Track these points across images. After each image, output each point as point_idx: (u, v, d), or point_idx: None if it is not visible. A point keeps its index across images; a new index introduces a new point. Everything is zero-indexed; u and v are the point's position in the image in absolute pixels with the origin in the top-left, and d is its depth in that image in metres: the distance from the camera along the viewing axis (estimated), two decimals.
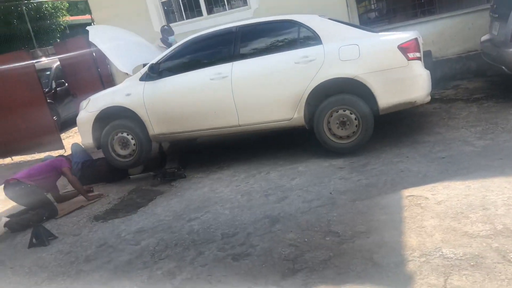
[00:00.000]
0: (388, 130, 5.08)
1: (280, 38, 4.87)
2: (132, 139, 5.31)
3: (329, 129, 4.64)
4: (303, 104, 4.62)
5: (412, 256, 2.66)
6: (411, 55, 4.37)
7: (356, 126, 4.54)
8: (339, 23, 4.85)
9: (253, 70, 4.81)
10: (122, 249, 3.65)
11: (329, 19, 4.89)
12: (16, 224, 4.50)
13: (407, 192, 3.51)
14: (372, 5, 7.85)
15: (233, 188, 4.46)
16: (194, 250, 3.36)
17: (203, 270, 3.05)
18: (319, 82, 4.52)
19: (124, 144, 5.36)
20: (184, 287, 2.89)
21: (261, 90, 4.78)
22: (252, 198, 4.10)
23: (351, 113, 4.53)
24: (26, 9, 14.75)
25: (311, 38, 4.67)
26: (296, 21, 4.78)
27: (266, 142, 5.78)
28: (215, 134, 5.26)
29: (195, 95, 5.01)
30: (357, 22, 6.93)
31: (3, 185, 4.90)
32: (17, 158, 8.25)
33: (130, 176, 5.59)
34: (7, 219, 4.52)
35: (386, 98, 4.43)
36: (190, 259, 3.23)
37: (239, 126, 4.95)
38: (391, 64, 4.39)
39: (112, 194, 5.12)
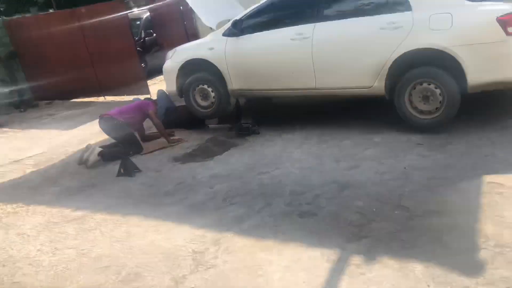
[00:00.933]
0: (476, 110, 4.77)
1: (366, 1, 4.64)
2: (212, 91, 5.53)
3: (411, 102, 4.47)
4: (385, 73, 4.46)
5: (486, 244, 2.56)
6: (510, 29, 3.97)
7: (440, 102, 4.31)
8: None
9: (336, 32, 4.70)
10: (198, 190, 3.94)
11: None
12: (108, 154, 5.01)
13: (488, 178, 3.33)
14: None
15: (305, 150, 4.54)
16: (263, 201, 3.53)
17: (269, 220, 3.21)
18: (404, 51, 4.30)
19: (205, 95, 5.61)
20: (251, 232, 3.09)
21: (341, 54, 4.68)
22: (323, 162, 4.15)
23: (436, 88, 4.31)
24: None
25: (399, 3, 4.39)
26: None
27: (341, 109, 5.73)
28: (291, 95, 5.29)
29: (274, 54, 5.04)
30: None
31: (98, 119, 5.43)
32: (109, 98, 8.99)
33: (209, 126, 5.89)
34: (101, 149, 5.04)
35: (477, 75, 4.12)
36: (258, 208, 3.41)
37: (316, 89, 4.93)
38: (487, 37, 4.04)
39: (191, 140, 5.44)
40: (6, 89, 9.56)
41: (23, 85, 9.88)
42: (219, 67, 5.36)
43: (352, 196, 3.40)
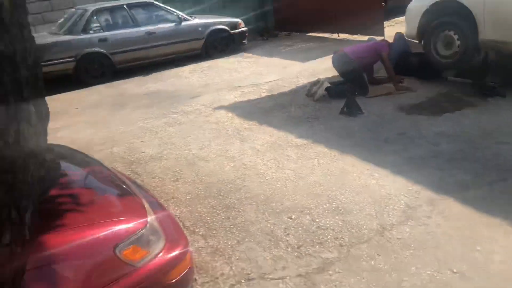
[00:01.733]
0: None
1: None
2: (457, 39, 4.96)
3: None
4: None
5: None
6: None
7: None
8: None
9: None
10: (419, 144, 3.73)
11: None
12: (334, 91, 5.15)
13: None
14: None
15: None
16: (496, 174, 3.13)
17: (501, 196, 2.85)
18: None
19: (448, 43, 5.07)
20: (475, 203, 2.80)
21: None
22: None
23: None
24: None
25: None
26: None
27: None
28: None
29: None
30: None
31: (332, 55, 5.56)
32: (342, 36, 9.06)
33: (448, 78, 5.36)
34: (329, 84, 5.21)
35: None
36: (489, 180, 3.06)
37: None
38: None
39: (421, 91, 5.09)
40: (255, 18, 10.65)
41: (269, 15, 10.83)
42: (474, 11, 4.73)
43: None
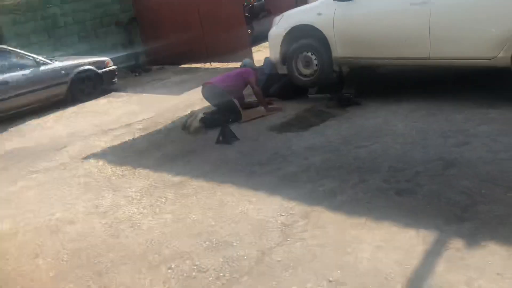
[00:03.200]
0: None
1: None
2: (315, 59, 5.39)
3: None
4: None
5: None
6: None
7: None
8: None
9: None
10: (291, 161, 3.92)
11: None
12: (209, 121, 5.20)
13: None
14: None
15: (409, 123, 4.25)
16: (358, 176, 3.40)
17: (363, 197, 3.09)
18: None
19: (307, 63, 5.49)
20: (343, 207, 3.00)
21: (464, 21, 4.28)
22: (428, 137, 3.86)
23: None
24: None
25: None
26: None
27: (454, 81, 5.22)
28: (400, 65, 5.01)
29: (388, 20, 4.77)
30: None
31: (201, 87, 5.64)
32: (215, 64, 9.30)
33: (308, 95, 5.78)
34: (203, 115, 5.26)
35: None
36: (352, 184, 3.30)
37: (429, 59, 4.58)
38: None
39: (289, 109, 5.40)
40: (124, 54, 10.39)
41: (139, 50, 10.66)
42: (325, 33, 5.20)
43: (458, 175, 3.14)
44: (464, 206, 2.75)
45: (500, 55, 4.10)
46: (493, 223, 2.54)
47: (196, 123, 5.16)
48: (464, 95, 4.67)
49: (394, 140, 3.93)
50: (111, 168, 4.57)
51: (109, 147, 5.26)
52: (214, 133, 4.83)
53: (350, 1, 4.98)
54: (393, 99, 5.04)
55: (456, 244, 2.42)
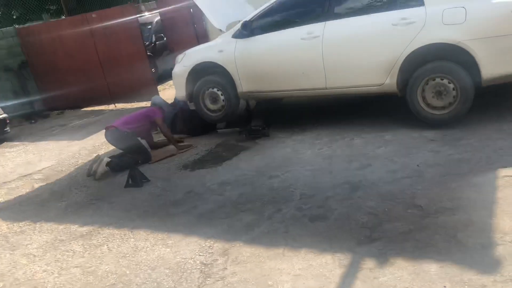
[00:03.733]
0: (489, 103, 4.67)
1: None
2: (221, 94, 5.47)
3: (423, 98, 4.38)
4: (397, 70, 4.39)
5: (503, 240, 2.49)
6: None
7: (454, 96, 4.22)
8: None
9: (346, 30, 4.63)
10: (207, 198, 3.87)
11: None
12: (116, 165, 4.97)
13: (503, 172, 3.24)
14: None
15: (315, 151, 4.45)
16: (273, 206, 3.45)
17: (279, 227, 3.14)
18: (417, 47, 4.23)
19: (214, 99, 5.55)
20: (261, 240, 3.01)
21: (352, 52, 4.61)
22: (334, 162, 4.07)
23: (449, 83, 4.22)
24: None
25: None
26: None
27: (352, 107, 5.63)
28: (301, 96, 5.23)
29: (284, 55, 4.98)
30: None
31: (104, 131, 5.39)
32: (119, 105, 8.99)
33: (218, 130, 5.82)
34: (109, 159, 5.00)
35: (491, 68, 4.04)
36: (268, 215, 3.34)
37: (326, 89, 4.86)
38: (502, 30, 3.95)
39: (200, 145, 5.38)
40: (18, 101, 9.63)
41: (35, 96, 9.95)
42: (228, 69, 5.31)
43: (363, 197, 3.32)
44: (372, 226, 2.91)
45: (387, 81, 4.48)
46: (398, 240, 2.70)
47: (102, 168, 4.89)
48: (362, 121, 5.04)
49: (303, 168, 4.08)
50: (7, 225, 4.12)
51: (3, 202, 4.76)
52: (122, 177, 4.61)
53: (249, 38, 5.17)
54: (299, 128, 5.27)
55: (369, 264, 2.54)
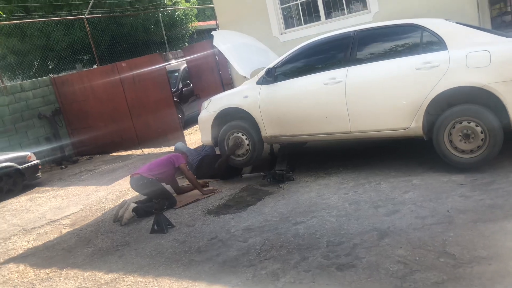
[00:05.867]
0: None
1: (400, 42, 4.64)
2: (246, 139, 5.55)
3: (450, 142, 4.31)
4: (422, 113, 4.37)
5: None
6: None
7: (482, 140, 4.15)
8: (468, 27, 4.46)
9: (369, 75, 4.67)
10: (231, 245, 3.83)
11: (456, 23, 4.55)
12: (142, 210, 5.02)
13: None
14: (508, 7, 7.05)
15: (341, 195, 4.39)
16: (299, 254, 3.38)
17: (306, 276, 3.05)
18: (442, 91, 4.23)
19: (239, 143, 5.60)
20: (286, 286, 2.93)
21: (376, 96, 4.62)
22: (360, 208, 3.99)
23: (476, 126, 4.16)
24: (162, 16, 16.31)
25: (435, 43, 4.39)
26: (419, 25, 4.53)
27: (377, 151, 5.58)
28: (325, 139, 5.24)
29: (308, 100, 5.04)
30: (489, 26, 6.28)
31: (129, 178, 5.48)
32: (146, 150, 9.18)
33: (242, 175, 5.84)
34: (135, 205, 5.05)
35: None
36: (294, 263, 3.26)
37: (351, 132, 4.87)
38: None
39: (225, 190, 5.40)
40: (49, 147, 9.99)
41: (66, 142, 10.33)
42: (253, 114, 5.41)
43: (392, 244, 3.22)
44: (402, 276, 2.80)
45: (413, 125, 4.44)
46: None
47: (128, 214, 4.93)
48: (388, 164, 4.98)
49: (329, 214, 4.01)
50: (34, 271, 4.16)
51: (31, 248, 4.82)
52: (148, 223, 4.63)
53: (272, 84, 5.29)
54: (323, 172, 5.24)
55: None
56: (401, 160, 5.01)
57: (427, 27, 4.47)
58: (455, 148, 4.30)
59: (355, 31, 4.93)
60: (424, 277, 2.72)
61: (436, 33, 4.40)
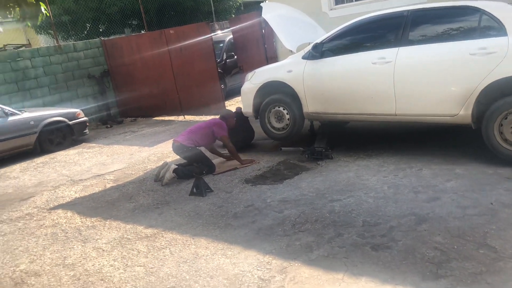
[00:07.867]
0: None
1: (456, 25, 4.43)
2: (287, 113, 5.55)
3: (500, 133, 4.15)
4: (473, 101, 4.20)
5: None
6: None
7: None
8: None
9: (420, 57, 4.52)
10: (266, 214, 3.90)
11: None
12: (182, 172, 5.18)
13: None
14: None
15: (380, 178, 4.35)
16: (334, 230, 3.41)
17: (340, 251, 3.09)
18: (497, 79, 4.03)
19: (280, 117, 5.65)
20: (320, 263, 2.98)
21: (426, 79, 4.48)
22: (400, 192, 3.95)
23: None
24: None
25: (493, 28, 4.16)
26: (478, 8, 4.29)
27: (421, 136, 5.45)
28: (368, 120, 5.17)
29: (354, 78, 4.97)
30: None
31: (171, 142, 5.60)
32: (188, 117, 9.38)
33: (282, 148, 5.88)
34: (176, 166, 5.21)
35: None
36: (328, 238, 3.30)
37: (396, 115, 4.77)
38: None
39: (263, 162, 5.46)
40: (96, 106, 10.41)
41: (112, 103, 10.71)
42: (296, 89, 5.39)
43: (430, 231, 3.18)
44: (438, 263, 2.78)
45: (461, 112, 4.30)
46: (468, 281, 2.56)
47: (169, 175, 5.11)
48: (431, 151, 4.87)
49: (366, 195, 4.00)
50: (81, 218, 4.41)
51: (78, 198, 5.11)
52: (187, 185, 4.77)
53: (318, 60, 5.22)
54: (363, 153, 5.19)
55: None
56: (445, 148, 4.89)
57: (487, 10, 4.24)
58: (505, 140, 4.14)
59: (409, 10, 4.73)
60: (462, 266, 2.70)
61: (497, 18, 4.17)
